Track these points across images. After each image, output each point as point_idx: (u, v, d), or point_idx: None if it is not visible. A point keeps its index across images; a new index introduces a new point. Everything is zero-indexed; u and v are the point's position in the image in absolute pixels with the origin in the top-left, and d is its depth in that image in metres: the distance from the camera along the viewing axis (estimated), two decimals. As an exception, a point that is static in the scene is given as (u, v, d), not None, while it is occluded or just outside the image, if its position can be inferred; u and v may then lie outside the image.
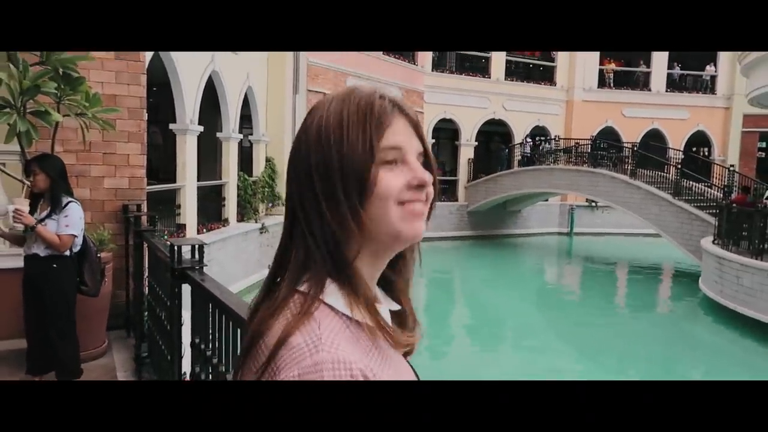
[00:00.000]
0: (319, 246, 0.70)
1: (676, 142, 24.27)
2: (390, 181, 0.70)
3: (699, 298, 13.45)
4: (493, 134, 24.35)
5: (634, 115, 24.63)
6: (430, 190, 0.74)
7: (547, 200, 23.58)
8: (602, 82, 25.04)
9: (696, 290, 13.71)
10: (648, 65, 25.18)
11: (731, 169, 19.89)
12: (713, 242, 13.01)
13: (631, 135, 23.61)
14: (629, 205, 17.68)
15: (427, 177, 0.72)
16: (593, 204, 22.92)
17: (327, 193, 0.69)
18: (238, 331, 1.80)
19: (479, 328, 12.29)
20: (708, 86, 25.56)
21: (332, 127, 0.70)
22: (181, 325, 2.71)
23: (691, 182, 17.77)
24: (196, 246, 2.50)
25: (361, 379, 0.62)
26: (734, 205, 13.31)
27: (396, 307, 0.78)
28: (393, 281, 0.81)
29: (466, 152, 22.77)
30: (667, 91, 25.11)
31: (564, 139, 22.37)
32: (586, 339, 11.31)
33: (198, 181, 10.56)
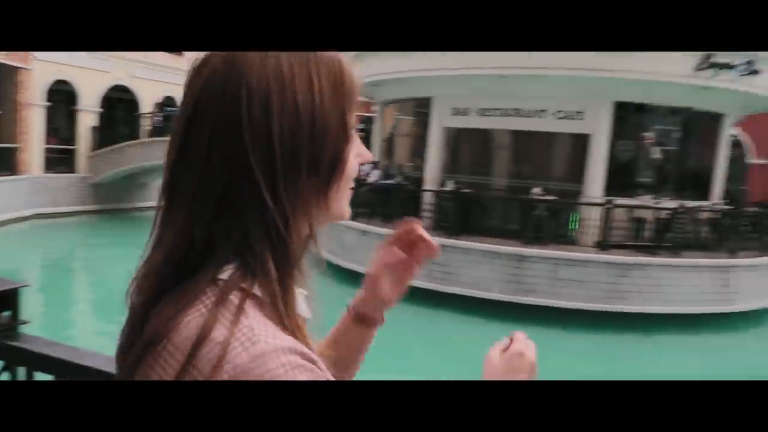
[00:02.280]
0: (268, 229, 0.56)
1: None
2: (353, 160, 0.63)
3: (310, 258, 13.57)
4: (119, 101, 22.67)
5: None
6: None
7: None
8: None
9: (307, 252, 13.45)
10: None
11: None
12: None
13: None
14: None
15: (370, 154, 0.67)
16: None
17: (291, 167, 0.56)
18: None
19: (107, 307, 11.03)
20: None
21: (300, 90, 0.56)
22: None
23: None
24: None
25: (315, 365, 0.52)
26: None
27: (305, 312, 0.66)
28: None
29: (88, 119, 20.83)
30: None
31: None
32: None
33: None
